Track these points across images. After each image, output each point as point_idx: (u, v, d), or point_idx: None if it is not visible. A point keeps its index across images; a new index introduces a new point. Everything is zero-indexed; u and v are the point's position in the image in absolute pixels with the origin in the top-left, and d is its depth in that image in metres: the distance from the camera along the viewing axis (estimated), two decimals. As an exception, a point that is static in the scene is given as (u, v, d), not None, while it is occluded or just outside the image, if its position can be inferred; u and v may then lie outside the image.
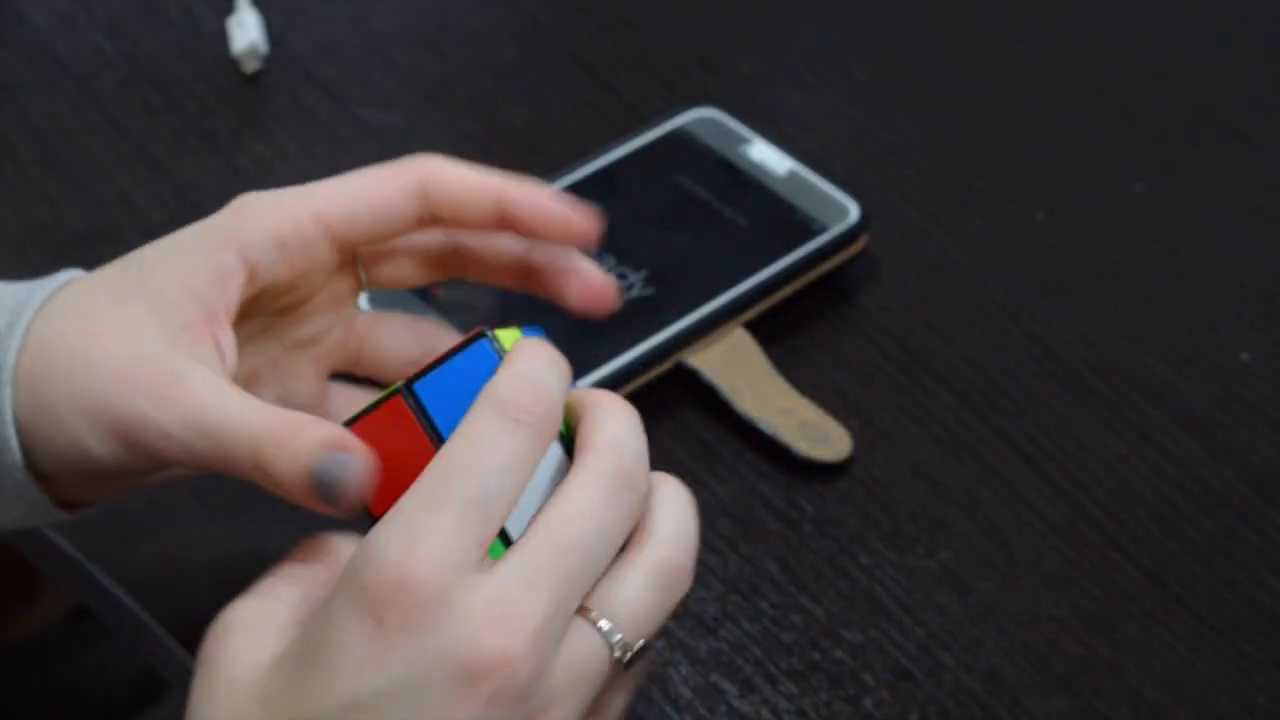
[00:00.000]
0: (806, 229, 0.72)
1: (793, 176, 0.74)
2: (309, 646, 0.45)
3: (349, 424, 0.49)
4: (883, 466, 0.67)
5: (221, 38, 0.82)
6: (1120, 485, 0.67)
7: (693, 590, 0.50)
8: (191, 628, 0.61)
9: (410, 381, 0.49)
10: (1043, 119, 0.80)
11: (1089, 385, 0.70)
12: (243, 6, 0.82)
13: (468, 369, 0.49)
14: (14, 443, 0.52)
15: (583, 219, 0.55)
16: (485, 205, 0.55)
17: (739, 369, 0.68)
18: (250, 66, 0.81)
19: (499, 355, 0.49)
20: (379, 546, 0.44)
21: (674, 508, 0.49)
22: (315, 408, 0.57)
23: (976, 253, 0.75)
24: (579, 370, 0.66)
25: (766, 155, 0.74)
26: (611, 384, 0.66)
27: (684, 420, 0.68)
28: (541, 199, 0.55)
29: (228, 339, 0.53)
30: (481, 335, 0.49)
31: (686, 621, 0.62)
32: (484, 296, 0.68)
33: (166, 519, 0.66)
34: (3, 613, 1.15)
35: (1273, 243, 0.75)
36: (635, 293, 0.69)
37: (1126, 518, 0.66)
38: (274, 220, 0.53)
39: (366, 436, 0.48)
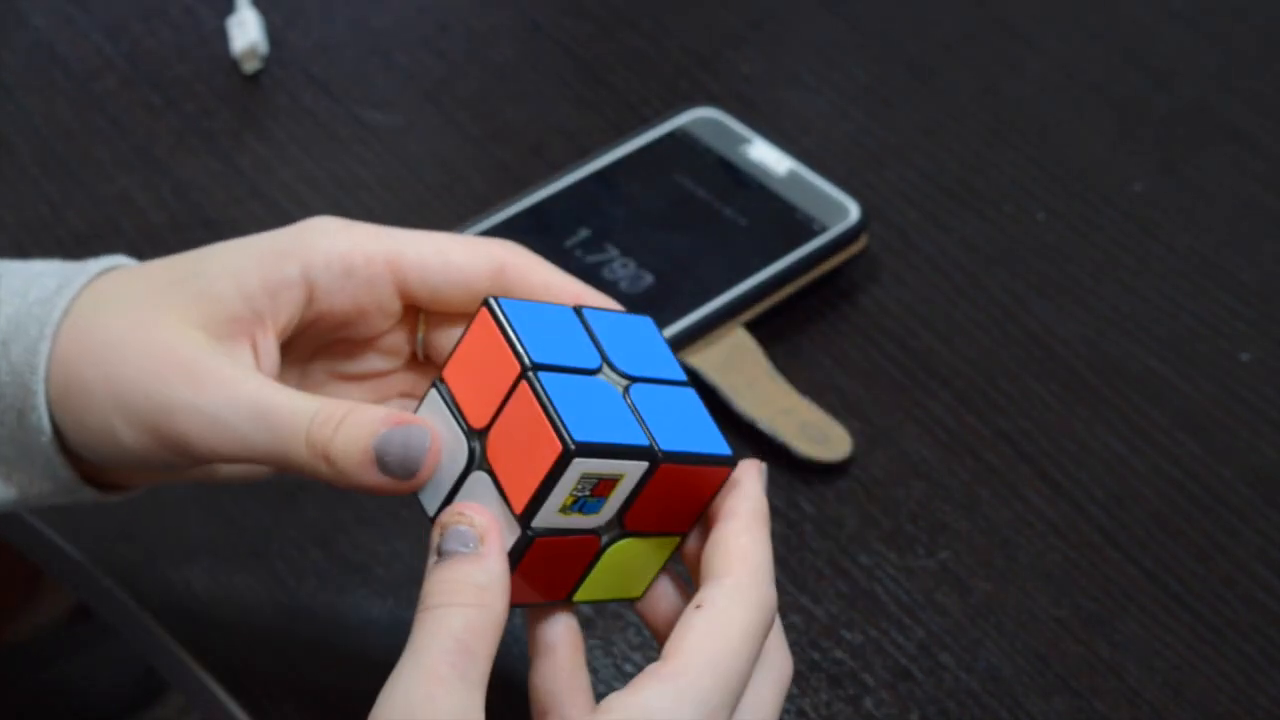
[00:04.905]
0: (806, 229, 0.72)
1: (793, 176, 0.74)
2: None
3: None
4: (883, 466, 0.67)
5: (221, 38, 0.82)
6: (1120, 485, 0.67)
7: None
8: (192, 628, 0.61)
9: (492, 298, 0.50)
10: (1043, 119, 0.80)
11: (1089, 385, 0.70)
12: (243, 6, 0.82)
13: (552, 313, 0.51)
14: (43, 406, 0.52)
15: None
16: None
17: (739, 369, 0.68)
18: (250, 66, 0.81)
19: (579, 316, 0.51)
20: None
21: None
22: None
23: (976, 253, 0.75)
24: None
25: (766, 155, 0.74)
26: (611, 384, 0.66)
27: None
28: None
29: (268, 347, 0.52)
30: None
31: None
32: None
33: (167, 519, 0.66)
34: (3, 613, 1.15)
35: (1273, 243, 0.75)
36: (635, 292, 0.69)
37: (1126, 518, 0.66)
38: (346, 247, 0.52)
39: (458, 367, 0.50)
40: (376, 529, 0.65)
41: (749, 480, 0.51)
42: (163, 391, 0.50)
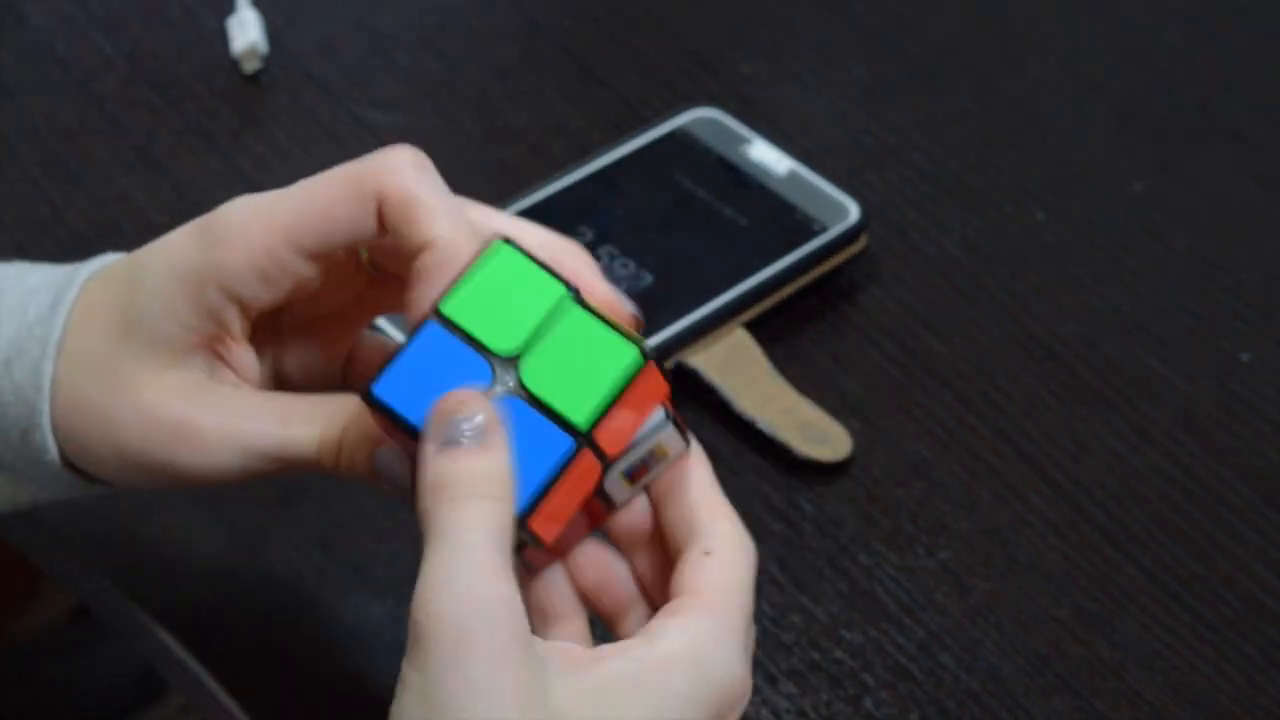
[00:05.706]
0: (806, 229, 0.72)
1: (793, 176, 0.74)
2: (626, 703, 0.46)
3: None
4: (883, 466, 0.67)
5: (221, 38, 0.82)
6: (1120, 485, 0.67)
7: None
8: (192, 627, 0.61)
9: (369, 384, 0.48)
10: (1043, 119, 0.80)
11: (1089, 385, 0.70)
12: (243, 6, 0.82)
13: (425, 353, 0.48)
14: (47, 427, 0.53)
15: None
16: (417, 245, 0.51)
17: (739, 369, 0.68)
18: (250, 66, 0.81)
19: (452, 333, 0.48)
20: (727, 660, 0.48)
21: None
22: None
23: (976, 253, 0.75)
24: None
25: (766, 155, 0.74)
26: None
27: (684, 420, 0.68)
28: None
29: (237, 354, 0.53)
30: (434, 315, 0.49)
31: (686, 621, 0.62)
32: None
33: (165, 518, 0.66)
34: (3, 613, 1.16)
35: (1273, 243, 0.75)
36: (635, 292, 0.69)
37: (1126, 518, 0.66)
38: (248, 255, 0.51)
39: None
40: (376, 529, 0.65)
41: (697, 461, 0.53)
42: (167, 455, 0.52)
